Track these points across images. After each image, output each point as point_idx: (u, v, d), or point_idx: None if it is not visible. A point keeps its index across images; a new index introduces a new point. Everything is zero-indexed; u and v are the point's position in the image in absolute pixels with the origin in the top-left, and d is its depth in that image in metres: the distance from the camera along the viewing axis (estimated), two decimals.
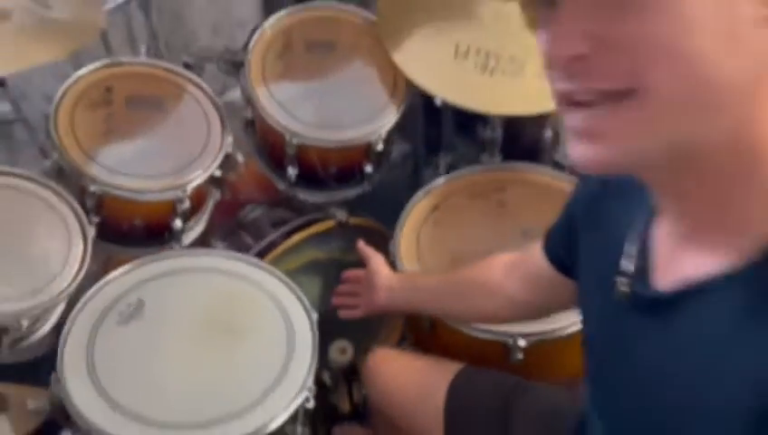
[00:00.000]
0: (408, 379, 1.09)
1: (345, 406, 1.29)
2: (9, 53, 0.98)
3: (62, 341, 0.98)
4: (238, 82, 1.42)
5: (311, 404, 1.03)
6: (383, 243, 1.31)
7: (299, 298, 1.11)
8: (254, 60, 1.34)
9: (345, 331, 1.20)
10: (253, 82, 1.32)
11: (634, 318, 0.57)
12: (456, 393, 1.00)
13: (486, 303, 1.02)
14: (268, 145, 1.39)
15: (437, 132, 1.94)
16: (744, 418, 0.46)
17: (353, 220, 1.47)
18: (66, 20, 1.10)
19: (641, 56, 0.42)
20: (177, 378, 0.99)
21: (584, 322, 0.70)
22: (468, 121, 1.70)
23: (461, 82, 1.30)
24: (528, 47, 0.96)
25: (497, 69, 1.27)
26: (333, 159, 1.34)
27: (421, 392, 1.05)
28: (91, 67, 1.19)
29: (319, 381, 1.20)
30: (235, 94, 1.51)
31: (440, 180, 1.37)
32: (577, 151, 0.48)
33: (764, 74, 0.44)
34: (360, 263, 1.22)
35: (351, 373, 1.18)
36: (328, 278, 1.43)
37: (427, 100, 1.48)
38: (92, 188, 1.06)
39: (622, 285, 0.58)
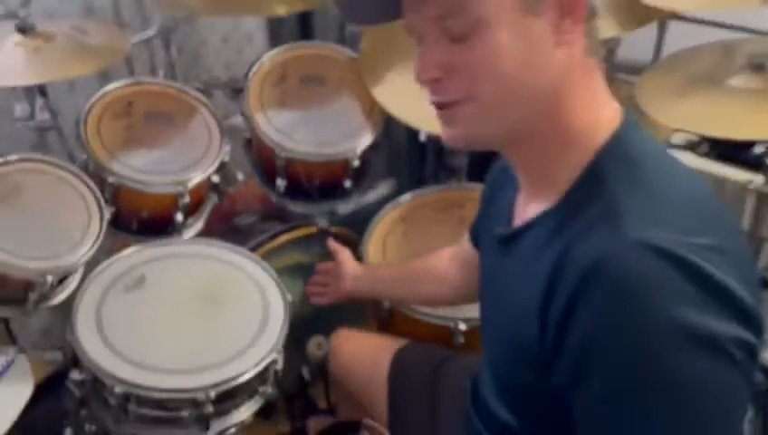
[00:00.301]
0: (364, 353, 1.28)
1: (322, 401, 1.45)
2: (52, 66, 1.23)
3: (76, 301, 1.20)
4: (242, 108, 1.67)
5: (279, 365, 1.23)
6: (354, 243, 1.54)
7: (275, 281, 1.32)
8: (252, 87, 1.58)
9: (323, 330, 1.36)
10: (251, 106, 1.56)
11: (498, 254, 0.79)
12: (397, 364, 1.19)
13: (434, 288, 1.23)
14: (262, 160, 1.62)
15: (421, 167, 2.19)
16: (536, 316, 0.66)
17: (333, 229, 1.70)
18: (99, 45, 1.36)
19: (471, 77, 0.67)
20: (169, 336, 1.20)
21: (480, 281, 0.91)
22: (440, 151, 1.94)
23: (427, 111, 1.52)
24: None
25: None
26: (317, 173, 1.57)
27: (373, 364, 1.24)
28: (116, 84, 1.45)
29: (298, 376, 1.39)
30: (237, 119, 1.74)
31: (407, 196, 1.60)
32: (444, 133, 0.73)
33: (565, 81, 0.67)
34: None
35: (327, 368, 1.32)
36: (306, 278, 1.64)
37: (411, 137, 1.70)
38: (111, 179, 1.30)
39: (497, 233, 0.80)
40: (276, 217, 1.82)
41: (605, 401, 0.62)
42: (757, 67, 1.22)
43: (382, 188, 2.15)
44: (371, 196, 2.14)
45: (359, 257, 1.45)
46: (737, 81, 1.24)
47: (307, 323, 1.40)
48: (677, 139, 1.94)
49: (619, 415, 0.61)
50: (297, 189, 1.63)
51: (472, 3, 0.63)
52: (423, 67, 0.69)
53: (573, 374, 0.64)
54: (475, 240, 1.04)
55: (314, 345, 1.31)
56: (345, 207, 1.85)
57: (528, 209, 0.74)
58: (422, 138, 1.57)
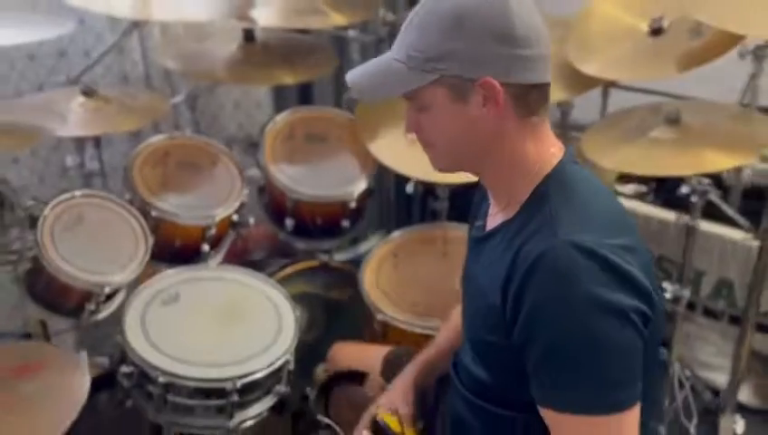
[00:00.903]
0: (358, 358, 1.49)
1: (322, 418, 1.64)
2: (109, 121, 1.54)
3: (124, 311, 1.45)
4: (254, 160, 1.97)
5: (291, 367, 1.48)
6: (352, 277, 1.80)
7: (286, 298, 1.58)
8: (266, 142, 1.89)
9: (325, 356, 1.54)
10: (266, 157, 1.86)
11: (474, 252, 1.06)
12: (388, 362, 1.40)
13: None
14: (273, 203, 1.91)
15: (408, 213, 2.49)
16: (488, 302, 0.95)
17: (333, 263, 1.97)
18: (144, 107, 1.67)
19: (429, 136, 0.97)
20: (201, 340, 1.45)
21: (462, 276, 1.17)
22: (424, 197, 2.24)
23: (412, 161, 1.82)
24: None
25: None
26: (319, 213, 1.86)
27: (366, 365, 1.42)
28: (155, 138, 1.75)
29: (302, 395, 1.59)
30: (250, 171, 2.04)
31: (398, 232, 1.88)
32: (431, 163, 1.01)
33: (501, 135, 0.95)
34: (337, 300, 1.71)
35: (329, 389, 1.42)
36: (312, 309, 1.90)
37: (400, 189, 1.97)
38: (153, 213, 1.58)
39: (474, 236, 1.08)
40: (282, 254, 2.09)
41: (546, 352, 0.88)
42: (673, 121, 1.54)
43: (374, 239, 2.44)
44: (365, 246, 2.43)
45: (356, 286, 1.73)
46: (658, 132, 1.56)
47: (311, 349, 1.63)
48: (628, 190, 2.28)
49: (556, 361, 0.87)
50: (302, 228, 1.91)
51: (418, 95, 0.94)
52: (408, 124, 1.00)
53: (525, 335, 0.90)
54: None
55: (321, 370, 1.48)
56: (343, 256, 2.14)
57: (496, 219, 1.02)
58: (409, 189, 1.87)
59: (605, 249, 0.86)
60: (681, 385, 1.95)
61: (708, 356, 2.17)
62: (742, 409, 2.05)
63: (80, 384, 0.95)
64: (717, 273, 2.04)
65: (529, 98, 0.94)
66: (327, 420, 1.28)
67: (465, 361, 1.10)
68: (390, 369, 1.38)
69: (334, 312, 1.93)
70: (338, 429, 1.25)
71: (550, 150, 0.98)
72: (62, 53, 2.06)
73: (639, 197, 2.24)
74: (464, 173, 1.04)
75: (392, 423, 1.16)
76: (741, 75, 1.64)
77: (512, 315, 0.91)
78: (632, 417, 0.86)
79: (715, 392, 2.07)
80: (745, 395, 2.10)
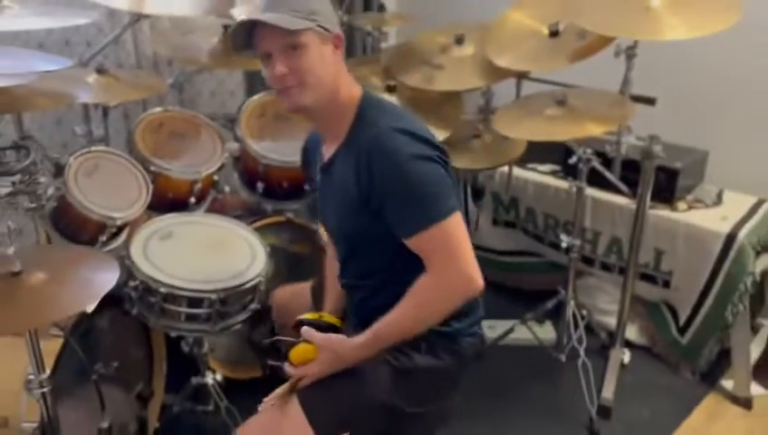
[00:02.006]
0: (291, 289, 1.88)
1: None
2: (118, 93, 1.94)
3: (129, 242, 1.83)
4: (232, 133, 2.36)
5: (262, 287, 1.87)
6: (312, 235, 2.22)
7: (257, 237, 1.98)
8: (243, 118, 2.29)
9: None
10: (242, 131, 2.26)
11: (324, 179, 1.49)
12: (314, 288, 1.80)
13: None
14: (247, 169, 2.30)
15: None
16: (349, 195, 1.38)
17: (296, 220, 2.37)
18: (146, 84, 2.07)
19: (302, 72, 1.35)
20: (192, 264, 1.83)
21: (319, 204, 1.59)
22: None
23: None
24: None
25: None
26: (285, 177, 2.26)
27: (294, 292, 1.84)
28: (154, 110, 2.14)
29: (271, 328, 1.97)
30: (228, 144, 2.43)
31: None
32: (286, 104, 1.41)
33: (337, 76, 1.39)
34: (299, 253, 2.15)
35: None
36: (278, 261, 2.28)
37: None
38: (152, 168, 1.97)
39: (320, 169, 1.50)
40: (253, 215, 2.48)
41: (397, 198, 1.32)
42: (561, 103, 2.01)
43: None
44: None
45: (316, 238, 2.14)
46: (550, 111, 2.02)
47: None
48: (544, 168, 2.74)
49: (404, 199, 1.32)
50: (271, 191, 2.31)
51: (301, 36, 1.32)
52: (278, 68, 1.35)
53: (379, 196, 1.33)
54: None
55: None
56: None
57: (331, 149, 1.46)
58: None
59: (410, 126, 1.36)
60: (576, 324, 2.41)
61: (605, 304, 2.64)
62: (629, 345, 2.52)
63: (111, 276, 1.34)
64: (610, 233, 2.51)
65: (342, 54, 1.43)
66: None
67: (343, 260, 1.55)
68: (316, 294, 1.77)
69: (295, 263, 2.33)
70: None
71: (355, 89, 1.45)
72: (68, 42, 2.44)
73: (553, 173, 2.71)
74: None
75: (310, 316, 1.53)
76: (621, 70, 2.10)
77: (366, 188, 1.35)
78: (458, 218, 1.34)
79: (610, 333, 2.54)
80: (633, 334, 2.57)
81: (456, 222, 1.33)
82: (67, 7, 1.99)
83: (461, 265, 1.33)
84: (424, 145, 1.35)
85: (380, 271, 1.47)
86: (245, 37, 1.38)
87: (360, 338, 1.39)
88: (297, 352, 1.43)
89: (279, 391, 1.48)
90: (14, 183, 1.41)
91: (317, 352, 1.41)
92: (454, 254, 1.33)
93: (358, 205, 1.38)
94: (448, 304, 1.37)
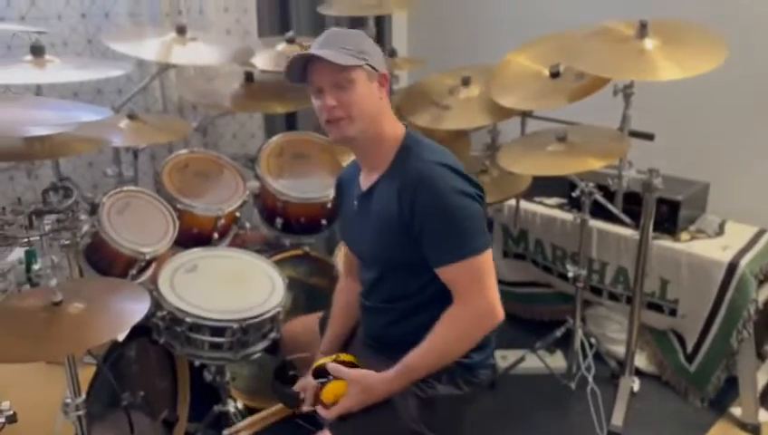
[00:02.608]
0: (300, 325, 1.97)
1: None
2: (146, 135, 2.09)
3: (157, 275, 1.95)
4: (252, 172, 2.50)
5: (281, 317, 1.98)
6: (329, 269, 2.32)
7: (277, 271, 2.10)
8: (263, 158, 2.43)
9: None
10: (261, 170, 2.40)
11: (360, 207, 1.59)
12: (323, 320, 1.88)
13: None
14: (266, 206, 2.43)
15: None
16: (388, 221, 1.48)
17: (314, 253, 2.49)
18: (173, 128, 2.21)
19: (349, 106, 1.47)
20: (215, 295, 1.95)
21: (345, 239, 1.71)
22: None
23: None
24: None
25: None
26: (303, 213, 2.38)
27: (306, 328, 1.92)
28: (180, 152, 2.29)
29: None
30: (249, 182, 2.56)
31: None
32: (331, 135, 1.52)
33: (381, 112, 1.51)
34: (316, 286, 2.27)
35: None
36: (296, 293, 2.40)
37: None
38: (179, 206, 2.10)
39: (356, 196, 1.61)
40: (273, 249, 2.60)
41: (436, 228, 1.42)
42: (561, 139, 2.12)
43: None
44: None
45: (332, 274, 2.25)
46: (552, 147, 2.13)
47: None
48: (551, 202, 2.84)
49: (443, 231, 1.42)
50: (289, 226, 2.43)
51: (350, 72, 1.44)
52: (327, 101, 1.47)
53: (420, 224, 1.43)
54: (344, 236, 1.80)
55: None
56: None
57: (370, 179, 1.56)
58: None
59: (453, 163, 1.48)
60: (585, 353, 2.48)
61: (614, 333, 2.70)
62: (639, 373, 2.58)
63: (144, 306, 1.45)
64: (616, 263, 2.59)
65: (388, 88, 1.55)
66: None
67: (368, 282, 1.64)
68: (325, 326, 1.83)
69: (313, 295, 2.44)
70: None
71: (399, 126, 1.57)
72: (100, 90, 2.61)
73: (559, 206, 2.81)
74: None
75: (327, 359, 1.57)
76: (620, 107, 2.22)
77: (408, 216, 1.46)
78: (490, 254, 1.45)
79: (619, 362, 2.59)
80: (642, 362, 2.63)
81: (487, 258, 1.44)
82: (101, 60, 2.16)
83: (489, 297, 1.44)
84: (465, 181, 1.46)
85: (408, 297, 1.56)
86: (301, 71, 1.50)
87: (391, 372, 1.47)
88: (328, 391, 1.50)
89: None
90: (58, 220, 1.54)
91: (347, 386, 1.49)
92: (483, 287, 1.44)
93: (397, 231, 1.48)
94: (476, 334, 1.47)
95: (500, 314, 1.45)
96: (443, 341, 1.46)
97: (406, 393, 1.50)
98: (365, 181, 1.60)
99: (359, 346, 1.73)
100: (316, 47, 1.48)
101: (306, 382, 1.61)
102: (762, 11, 2.44)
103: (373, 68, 1.48)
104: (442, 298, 1.47)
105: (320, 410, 1.51)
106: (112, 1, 2.55)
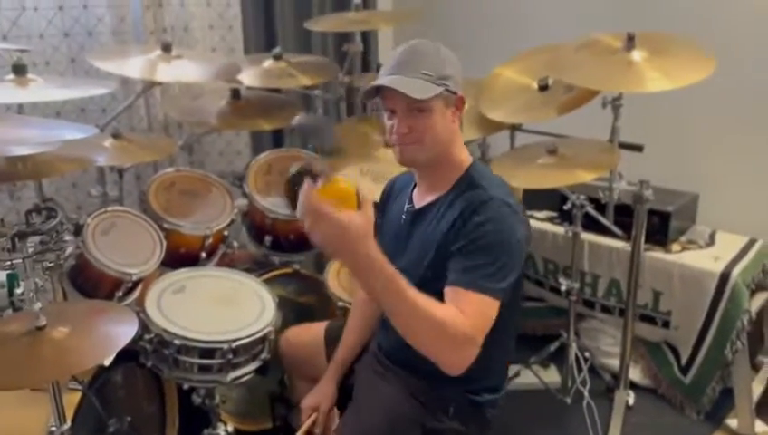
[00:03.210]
0: (304, 335, 1.92)
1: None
2: (131, 155, 2.05)
3: (144, 297, 1.91)
4: (240, 191, 2.47)
5: (272, 337, 1.94)
6: (319, 286, 2.29)
7: (267, 289, 2.05)
8: (250, 175, 2.40)
9: None
10: (249, 187, 2.37)
11: (410, 224, 1.55)
12: (329, 333, 1.84)
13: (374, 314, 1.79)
14: (255, 224, 2.40)
15: None
16: (439, 247, 1.43)
17: (303, 271, 2.45)
18: (158, 146, 2.18)
19: (422, 133, 1.42)
20: (204, 316, 1.90)
21: (387, 251, 1.67)
22: None
23: (362, 186, 2.34)
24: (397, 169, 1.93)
25: (381, 180, 2.31)
26: (292, 229, 2.35)
27: (312, 339, 1.87)
28: (166, 170, 2.25)
29: (280, 380, 2.02)
30: (237, 201, 2.53)
31: None
32: (398, 157, 1.47)
33: (453, 139, 1.47)
34: (306, 304, 2.19)
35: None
36: (286, 312, 2.35)
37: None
38: (165, 225, 2.06)
39: (406, 211, 1.57)
40: (261, 267, 2.56)
41: (476, 249, 1.34)
42: (552, 152, 2.11)
43: None
44: None
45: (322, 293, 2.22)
46: (542, 160, 2.12)
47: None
48: (542, 215, 2.83)
49: (481, 256, 1.33)
50: (278, 244, 2.40)
51: (427, 101, 1.38)
52: (400, 127, 1.42)
53: (463, 241, 1.35)
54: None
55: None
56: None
57: (426, 198, 1.52)
58: None
59: (513, 204, 1.42)
60: (579, 367, 2.46)
61: (608, 346, 2.69)
62: (634, 386, 2.56)
63: (131, 329, 1.41)
64: (609, 275, 2.58)
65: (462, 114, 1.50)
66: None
67: None
68: (330, 336, 1.82)
69: (303, 313, 2.40)
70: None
71: (465, 154, 1.52)
72: (83, 109, 2.58)
73: (550, 220, 2.80)
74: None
75: None
76: (609, 119, 2.22)
77: (454, 236, 1.38)
78: (496, 308, 1.34)
79: (614, 375, 2.57)
80: (637, 375, 2.61)
81: (496, 307, 1.34)
82: (85, 78, 2.13)
83: (479, 341, 1.30)
84: (522, 225, 1.42)
85: None
86: (375, 88, 1.43)
87: (389, 265, 1.23)
88: (338, 188, 1.21)
89: None
90: (42, 242, 1.50)
91: (354, 209, 1.22)
92: (484, 330, 1.31)
93: (442, 256, 1.41)
94: (446, 348, 1.28)
95: (466, 364, 1.29)
96: (428, 317, 1.25)
97: (411, 422, 1.46)
98: (419, 198, 1.55)
99: (369, 360, 1.68)
100: (393, 67, 1.41)
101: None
102: (748, 23, 2.47)
103: (451, 92, 1.42)
104: None
105: (308, 192, 1.20)
106: (96, 19, 2.52)
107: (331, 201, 1.18)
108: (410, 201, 1.58)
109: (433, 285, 1.44)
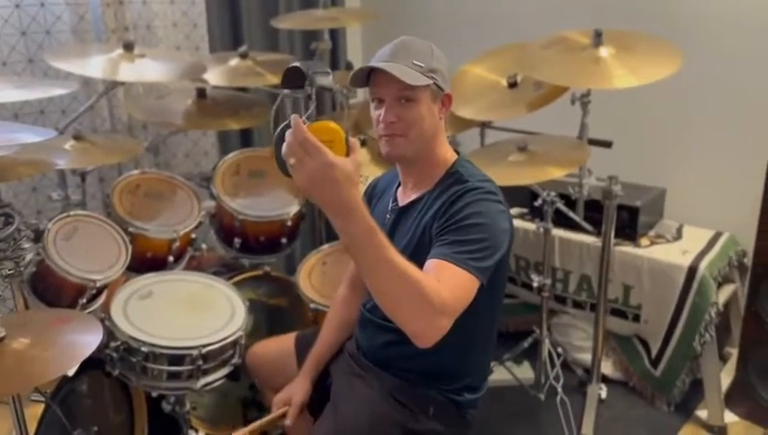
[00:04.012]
0: (272, 348, 1.86)
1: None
2: (94, 157, 1.99)
3: (109, 303, 1.85)
4: (207, 193, 2.41)
5: (243, 341, 1.90)
6: (290, 288, 2.25)
7: (237, 293, 2.02)
8: (218, 176, 2.35)
9: None
10: (217, 189, 2.32)
11: (396, 220, 1.52)
12: (300, 342, 1.80)
13: (351, 317, 1.75)
14: (223, 226, 2.35)
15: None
16: (424, 241, 1.41)
17: (273, 273, 2.41)
18: (123, 148, 2.12)
19: (409, 125, 1.40)
20: (172, 322, 1.86)
21: None
22: None
23: None
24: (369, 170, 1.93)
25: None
26: (262, 231, 2.31)
27: (280, 350, 1.82)
28: (130, 173, 2.19)
29: (251, 385, 1.97)
30: (205, 202, 2.48)
31: (326, 245, 2.36)
32: (384, 151, 1.45)
33: (438, 134, 1.45)
34: (278, 306, 2.14)
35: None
36: (257, 315, 2.32)
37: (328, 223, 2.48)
38: (131, 229, 2.00)
39: (390, 210, 1.55)
40: (231, 270, 2.51)
41: (462, 226, 1.32)
42: (522, 149, 2.11)
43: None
44: None
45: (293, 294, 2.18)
46: (513, 157, 2.12)
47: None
48: (513, 212, 2.83)
49: (466, 231, 1.32)
50: (248, 246, 2.35)
51: (415, 90, 1.37)
52: (387, 115, 1.40)
53: (445, 218, 1.34)
54: None
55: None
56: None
57: (411, 195, 1.50)
58: None
59: (500, 197, 1.42)
60: (552, 363, 2.47)
61: (580, 341, 2.70)
62: (606, 380, 2.58)
63: (96, 337, 1.36)
64: (579, 271, 2.59)
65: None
66: None
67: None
68: (301, 344, 1.77)
69: (275, 316, 2.36)
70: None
71: (450, 150, 1.51)
72: (42, 110, 2.49)
73: (521, 216, 2.81)
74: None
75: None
76: (578, 116, 2.23)
77: (438, 220, 1.37)
78: (474, 287, 1.30)
79: (586, 370, 2.59)
80: (608, 369, 2.63)
81: (475, 286, 1.31)
82: (43, 79, 2.06)
83: (454, 310, 1.25)
84: (507, 217, 1.41)
85: None
86: (364, 76, 1.42)
87: (369, 217, 1.15)
88: (332, 127, 1.15)
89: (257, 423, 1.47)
90: None
91: (343, 153, 1.15)
92: (459, 304, 1.27)
93: (421, 240, 1.41)
94: (420, 314, 1.20)
95: (437, 335, 1.22)
96: (406, 277, 1.18)
97: (391, 423, 1.44)
98: (404, 197, 1.54)
99: (345, 361, 1.65)
100: (386, 55, 1.40)
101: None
102: (714, 20, 2.50)
103: (439, 87, 1.42)
104: (456, 336, 1.29)
105: (298, 124, 1.11)
106: (54, 17, 2.44)
107: (320, 139, 1.11)
108: (395, 199, 1.57)
109: None
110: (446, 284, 1.25)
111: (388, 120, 1.39)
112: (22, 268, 1.75)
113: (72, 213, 1.91)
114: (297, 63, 1.29)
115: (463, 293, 1.28)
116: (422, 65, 1.38)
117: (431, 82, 1.39)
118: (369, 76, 1.42)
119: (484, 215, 1.35)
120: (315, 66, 1.29)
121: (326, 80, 1.27)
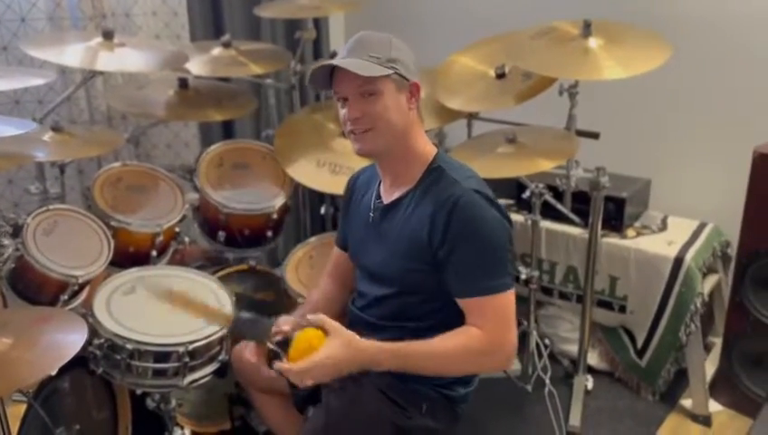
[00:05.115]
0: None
1: None
2: (74, 149, 1.93)
3: (92, 300, 1.80)
4: (191, 185, 2.36)
5: (229, 338, 1.86)
6: (276, 282, 2.22)
7: (223, 287, 1.98)
8: (201, 168, 2.30)
9: None
10: (201, 181, 2.27)
11: (379, 221, 1.51)
12: None
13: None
14: (208, 219, 2.31)
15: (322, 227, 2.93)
16: (415, 243, 1.40)
17: (259, 267, 2.37)
18: (103, 140, 2.06)
19: (375, 118, 1.39)
20: (156, 318, 1.81)
21: (351, 247, 1.62)
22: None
23: (320, 179, 2.28)
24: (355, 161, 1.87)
25: (340, 172, 2.27)
26: (247, 224, 2.27)
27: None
28: (111, 165, 2.13)
29: (236, 382, 1.96)
30: (188, 195, 2.43)
31: (313, 238, 2.32)
32: (356, 149, 1.44)
33: (411, 127, 1.44)
34: (264, 301, 2.14)
35: None
36: (243, 308, 2.27)
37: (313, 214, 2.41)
38: (113, 223, 1.95)
39: (374, 207, 1.52)
40: (215, 265, 2.47)
41: (465, 256, 1.35)
42: (511, 141, 2.09)
43: None
44: None
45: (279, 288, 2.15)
46: (501, 149, 2.10)
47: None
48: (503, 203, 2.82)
49: (476, 260, 1.35)
50: (233, 240, 2.31)
51: (377, 82, 1.36)
52: (351, 112, 1.40)
53: (449, 249, 1.36)
54: (344, 241, 1.74)
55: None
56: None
57: (394, 193, 1.49)
58: (323, 210, 2.31)
59: (488, 191, 1.42)
60: (540, 354, 2.47)
61: (566, 332, 2.71)
62: (592, 371, 2.59)
63: (80, 336, 1.32)
64: (566, 262, 2.59)
65: (420, 103, 1.47)
66: None
67: (368, 293, 1.56)
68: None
69: (261, 311, 2.32)
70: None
71: (428, 145, 1.49)
72: (18, 101, 2.42)
73: (507, 208, 2.80)
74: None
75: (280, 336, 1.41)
76: (566, 107, 2.22)
77: (439, 240, 1.38)
78: (513, 295, 1.39)
79: (573, 361, 2.60)
80: (594, 360, 2.64)
81: (512, 296, 1.40)
82: (19, 68, 1.99)
83: (512, 340, 1.38)
84: (498, 211, 1.41)
85: (414, 319, 1.49)
86: (326, 77, 1.42)
87: (384, 344, 1.35)
88: (302, 338, 1.35)
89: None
90: None
91: (325, 338, 1.35)
92: (509, 328, 1.38)
93: (423, 256, 1.41)
94: (483, 366, 1.44)
95: (513, 359, 1.42)
96: (454, 349, 1.37)
97: (381, 421, 1.43)
98: (387, 194, 1.52)
99: None
100: (343, 54, 1.40)
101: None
102: (702, 12, 2.50)
103: (404, 77, 1.40)
104: (450, 325, 1.39)
105: (284, 364, 1.35)
106: (29, 4, 2.37)
107: (305, 349, 1.34)
108: (378, 196, 1.54)
109: (412, 277, 1.45)
110: (492, 320, 1.37)
111: (354, 117, 1.39)
112: (0, 265, 1.70)
113: (51, 207, 1.85)
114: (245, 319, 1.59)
115: (505, 315, 1.38)
116: (379, 57, 1.38)
117: (391, 72, 1.38)
118: (330, 77, 1.43)
119: (489, 227, 1.37)
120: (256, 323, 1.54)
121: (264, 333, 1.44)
